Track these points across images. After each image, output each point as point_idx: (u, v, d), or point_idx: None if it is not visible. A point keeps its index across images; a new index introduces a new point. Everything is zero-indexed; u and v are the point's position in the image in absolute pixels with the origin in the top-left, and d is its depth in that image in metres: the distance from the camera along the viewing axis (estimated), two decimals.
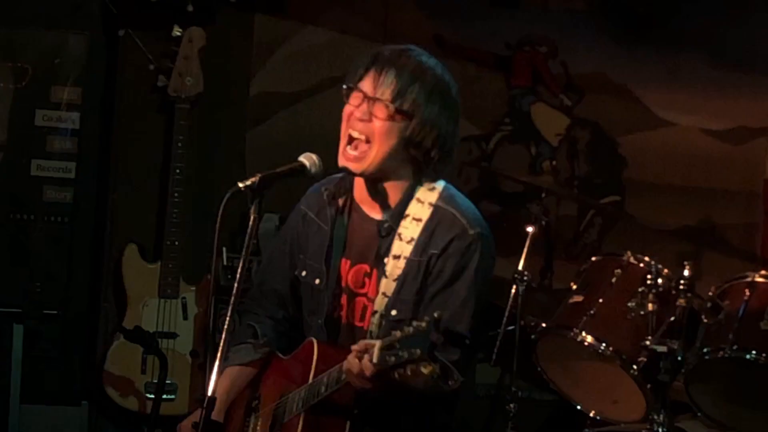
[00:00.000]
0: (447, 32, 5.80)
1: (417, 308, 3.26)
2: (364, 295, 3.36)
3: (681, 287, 4.02)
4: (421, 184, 3.33)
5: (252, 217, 3.12)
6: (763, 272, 4.16)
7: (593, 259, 4.53)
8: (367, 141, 3.25)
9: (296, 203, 3.60)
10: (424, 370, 2.84)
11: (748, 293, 4.11)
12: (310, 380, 3.25)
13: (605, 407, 4.49)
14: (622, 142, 5.80)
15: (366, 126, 3.25)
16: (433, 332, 2.82)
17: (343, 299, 3.39)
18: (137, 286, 5.42)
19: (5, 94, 5.51)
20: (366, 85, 3.26)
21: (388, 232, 3.32)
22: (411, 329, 2.87)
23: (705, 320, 4.14)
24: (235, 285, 3.11)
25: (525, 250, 4.82)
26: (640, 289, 4.13)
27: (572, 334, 4.24)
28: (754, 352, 3.97)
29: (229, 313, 3.09)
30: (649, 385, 4.16)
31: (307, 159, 3.29)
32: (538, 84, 5.84)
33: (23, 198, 5.51)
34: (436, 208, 3.30)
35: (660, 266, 4.17)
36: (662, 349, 3.99)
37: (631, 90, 5.76)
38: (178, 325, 5.40)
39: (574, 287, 4.44)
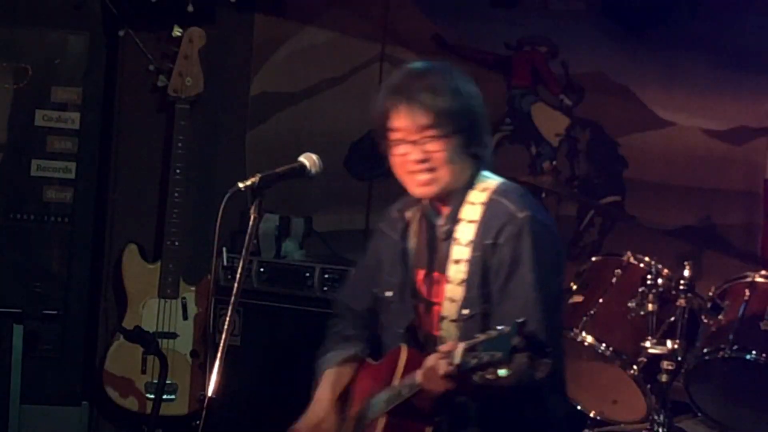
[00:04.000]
0: (447, 32, 5.80)
1: (485, 300, 3.24)
2: (437, 303, 3.35)
3: (681, 287, 4.03)
4: (473, 187, 3.32)
5: (252, 217, 3.12)
6: (763, 272, 4.17)
7: (593, 259, 4.54)
8: (432, 170, 3.25)
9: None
10: (502, 373, 2.83)
11: (748, 293, 4.12)
12: (395, 382, 3.25)
13: (605, 407, 4.49)
14: (622, 142, 5.79)
15: (427, 164, 3.24)
16: (515, 336, 2.80)
17: (421, 309, 3.40)
18: (137, 286, 5.42)
19: (5, 94, 5.51)
20: (400, 126, 3.24)
21: (447, 235, 3.32)
22: (495, 333, 2.86)
23: (705, 320, 4.15)
24: (235, 285, 3.11)
25: None
26: (640, 289, 4.14)
27: (572, 334, 4.24)
28: (754, 352, 3.97)
29: (229, 313, 3.09)
30: (649, 385, 4.16)
31: (307, 159, 3.29)
32: (538, 84, 5.84)
33: (23, 198, 5.51)
34: (487, 204, 3.29)
35: (660, 266, 4.18)
36: (662, 349, 4.00)
37: (631, 90, 5.76)
38: (178, 326, 5.40)
39: (574, 287, 4.44)
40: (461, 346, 2.93)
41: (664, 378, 4.02)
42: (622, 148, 5.80)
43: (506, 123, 5.84)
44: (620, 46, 5.74)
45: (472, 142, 3.28)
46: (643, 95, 5.76)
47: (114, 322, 5.47)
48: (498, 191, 3.32)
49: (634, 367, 4.14)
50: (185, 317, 5.41)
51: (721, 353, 4.00)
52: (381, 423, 3.25)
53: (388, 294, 3.44)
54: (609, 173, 5.81)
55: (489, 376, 2.86)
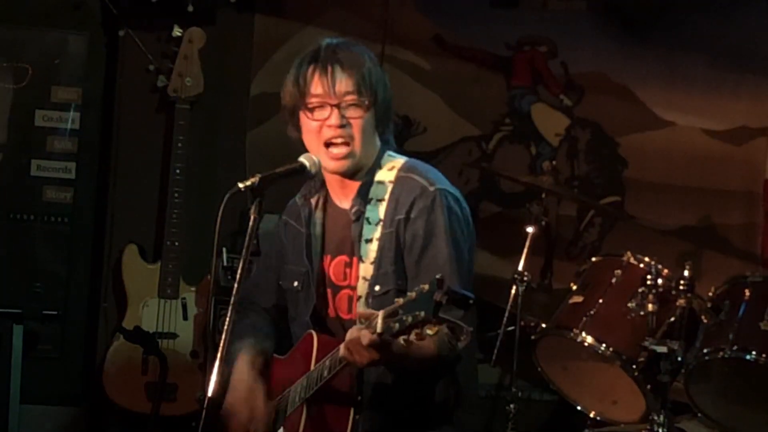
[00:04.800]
0: (447, 32, 5.80)
1: (400, 277, 3.27)
2: (348, 287, 3.37)
3: (681, 287, 4.02)
4: (380, 167, 3.35)
5: (252, 218, 3.12)
6: (763, 272, 4.16)
7: (593, 259, 4.53)
8: (347, 143, 3.28)
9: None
10: (430, 332, 2.81)
11: (748, 293, 4.11)
12: (311, 368, 3.26)
13: (605, 407, 4.49)
14: (622, 142, 5.79)
15: (345, 130, 3.27)
16: (436, 292, 2.78)
17: (329, 294, 3.42)
18: (137, 287, 5.42)
19: (5, 94, 5.51)
20: (322, 91, 3.26)
21: (357, 216, 3.33)
22: (414, 294, 2.85)
23: (705, 320, 4.14)
24: (235, 285, 3.12)
25: (525, 250, 4.82)
26: (640, 290, 4.13)
27: (572, 334, 4.24)
28: (754, 352, 3.97)
29: (229, 314, 3.09)
30: (649, 386, 4.16)
31: (307, 159, 3.30)
32: (538, 84, 5.84)
33: (23, 198, 5.51)
34: (396, 180, 3.32)
35: (660, 266, 4.17)
36: (662, 349, 3.99)
37: (631, 90, 5.76)
38: (178, 326, 5.40)
39: (574, 287, 4.44)
40: (380, 314, 2.91)
41: (664, 378, 4.01)
42: (622, 148, 5.80)
43: (506, 123, 5.84)
44: (620, 46, 5.74)
45: (384, 118, 3.33)
46: (643, 95, 5.76)
47: (114, 322, 5.47)
48: (405, 168, 3.35)
49: (634, 367, 4.14)
50: (185, 317, 5.41)
51: (721, 353, 3.99)
52: (304, 411, 3.24)
53: (295, 284, 3.45)
54: (609, 173, 5.81)
55: (414, 338, 2.84)
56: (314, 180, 3.42)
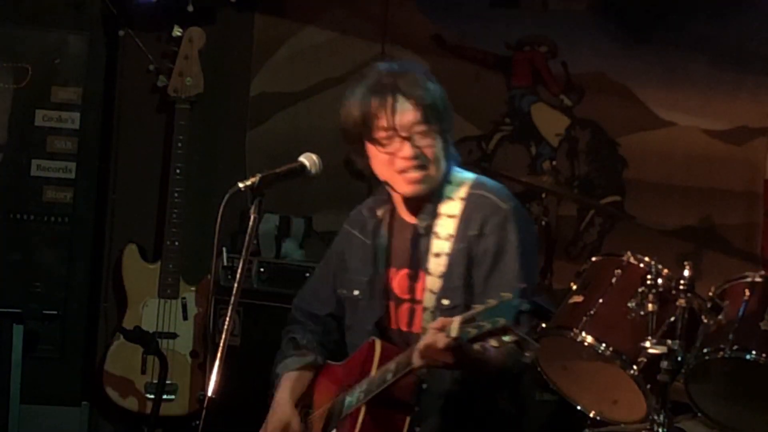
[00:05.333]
0: (447, 32, 5.80)
1: (468, 293, 3.26)
2: (411, 300, 3.37)
3: (681, 287, 4.02)
4: (450, 182, 3.35)
5: (252, 217, 3.12)
6: (763, 272, 4.16)
7: (593, 259, 4.52)
8: (422, 166, 3.27)
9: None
10: (507, 339, 2.82)
11: (748, 293, 4.11)
12: (373, 373, 3.24)
13: (605, 407, 4.48)
14: (622, 142, 5.79)
15: (419, 160, 3.25)
16: (521, 302, 2.81)
17: (391, 306, 3.41)
18: (137, 286, 5.42)
19: (5, 94, 5.51)
20: (389, 123, 3.23)
21: (426, 230, 3.33)
22: (494, 301, 2.85)
23: (705, 320, 4.14)
24: (235, 285, 3.11)
25: None
26: (640, 289, 4.12)
27: (572, 334, 4.23)
28: (754, 352, 3.96)
29: (229, 313, 3.09)
30: (649, 385, 4.15)
31: (307, 159, 3.29)
32: (538, 84, 5.84)
33: (23, 198, 5.52)
34: (467, 198, 3.32)
35: (660, 266, 4.16)
36: (662, 349, 3.99)
37: (631, 90, 5.75)
38: (178, 326, 5.40)
39: (574, 287, 4.43)
40: (457, 319, 2.91)
41: (664, 378, 4.01)
42: (622, 148, 5.80)
43: (506, 123, 5.84)
44: (620, 46, 5.73)
45: (450, 137, 3.32)
46: (643, 95, 5.76)
47: (114, 322, 5.47)
48: (476, 185, 3.35)
49: (634, 367, 4.13)
50: (185, 317, 5.41)
51: (721, 353, 3.98)
52: (360, 414, 3.23)
53: (356, 293, 3.44)
54: (609, 173, 5.81)
55: (494, 344, 2.84)
56: (381, 193, 3.43)
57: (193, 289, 5.44)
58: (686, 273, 4.02)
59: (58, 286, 5.53)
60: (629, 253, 4.33)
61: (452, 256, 3.27)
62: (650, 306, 4.06)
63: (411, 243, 3.36)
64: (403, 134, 3.23)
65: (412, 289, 3.37)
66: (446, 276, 3.27)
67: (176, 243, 5.36)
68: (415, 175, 3.26)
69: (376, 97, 3.24)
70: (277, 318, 5.23)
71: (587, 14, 5.77)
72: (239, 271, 3.12)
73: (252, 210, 3.12)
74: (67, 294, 5.56)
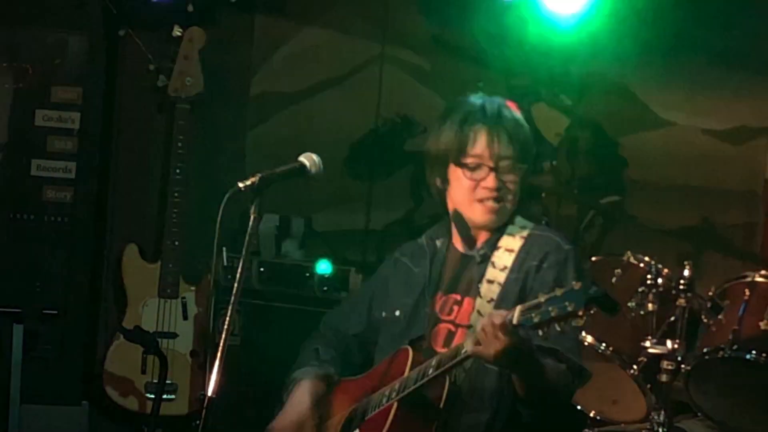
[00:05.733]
0: (447, 32, 5.80)
1: None
2: (451, 321, 3.39)
3: (681, 287, 4.03)
4: (514, 223, 3.42)
5: (252, 217, 3.12)
6: (763, 272, 4.17)
7: (593, 259, 4.54)
8: (500, 199, 3.35)
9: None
10: (577, 323, 2.84)
11: (748, 293, 4.12)
12: (406, 374, 3.25)
13: (605, 407, 4.49)
14: (622, 142, 5.79)
15: (499, 193, 3.34)
16: (593, 288, 2.81)
17: (431, 326, 3.42)
18: (137, 286, 5.41)
19: (5, 94, 5.51)
20: (482, 152, 3.32)
21: (483, 259, 3.38)
22: (560, 290, 2.87)
23: (705, 320, 4.15)
24: (235, 285, 3.11)
25: None
26: (640, 289, 4.14)
27: None
28: (754, 352, 3.97)
29: (229, 313, 3.09)
30: (649, 385, 4.16)
31: (307, 159, 3.29)
32: (538, 84, 5.84)
33: (23, 198, 5.51)
34: (529, 236, 3.39)
35: (660, 266, 4.18)
36: (662, 349, 4.00)
37: (631, 90, 5.76)
38: (178, 325, 5.39)
39: None
40: (518, 308, 2.95)
41: (664, 378, 4.02)
42: (622, 148, 5.80)
43: None
44: (620, 45, 5.73)
45: (528, 177, 3.41)
46: (643, 95, 5.76)
47: (114, 322, 5.47)
48: (539, 228, 3.44)
49: (634, 367, 4.14)
50: (185, 317, 5.41)
51: (721, 353, 4.00)
52: (392, 409, 3.23)
53: (397, 314, 3.48)
54: (609, 173, 5.81)
55: (560, 329, 2.85)
56: (441, 227, 3.49)
57: (193, 289, 5.44)
58: (686, 273, 4.03)
59: (58, 286, 5.52)
60: (629, 253, 4.34)
61: (506, 284, 3.33)
62: (650, 306, 4.07)
63: (462, 271, 3.42)
64: (492, 165, 3.32)
65: (453, 312, 3.40)
66: (497, 301, 3.30)
67: (176, 243, 5.35)
68: (493, 205, 3.34)
69: (481, 125, 3.34)
70: (277, 318, 5.24)
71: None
72: (239, 271, 3.12)
73: (252, 210, 3.12)
74: (67, 294, 5.55)
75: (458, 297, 3.40)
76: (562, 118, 5.84)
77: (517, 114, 3.41)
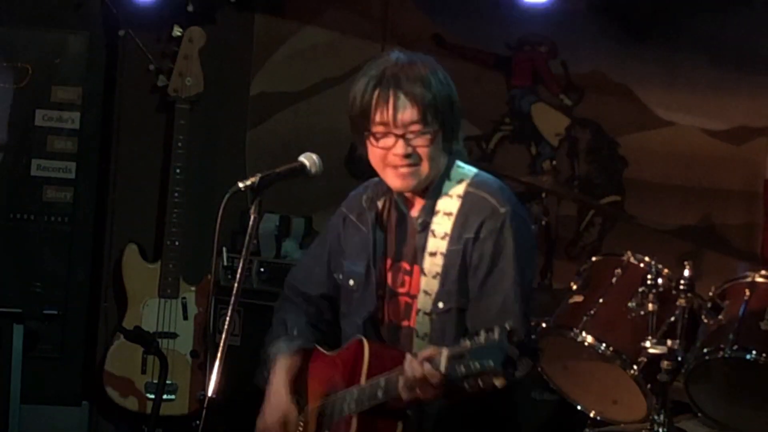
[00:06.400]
0: (447, 32, 5.80)
1: (463, 296, 3.24)
2: (405, 294, 3.34)
3: (681, 287, 4.02)
4: (450, 178, 3.31)
5: (252, 217, 3.12)
6: (763, 272, 4.16)
7: (593, 259, 4.53)
8: (414, 164, 3.24)
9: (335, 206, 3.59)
10: (497, 383, 2.79)
11: (748, 293, 4.11)
12: (362, 381, 3.21)
13: (605, 407, 4.49)
14: (622, 142, 5.79)
15: (411, 158, 3.22)
16: (508, 347, 2.75)
17: (386, 299, 3.38)
18: (137, 286, 5.42)
19: (5, 94, 5.51)
20: (386, 119, 3.20)
21: (423, 227, 3.30)
22: (482, 340, 2.81)
23: (705, 320, 4.14)
24: (235, 285, 3.11)
25: None
26: (640, 289, 4.13)
27: (572, 334, 4.24)
28: (754, 352, 3.96)
29: (229, 313, 3.09)
30: (649, 385, 4.15)
31: (307, 159, 3.29)
32: (538, 84, 5.84)
33: (23, 198, 5.51)
34: (465, 196, 3.28)
35: (660, 266, 4.17)
36: (662, 349, 3.99)
37: (631, 90, 5.76)
38: (178, 325, 5.40)
39: (574, 287, 4.44)
40: (445, 353, 2.88)
41: (664, 378, 4.01)
42: (622, 148, 5.80)
43: (506, 123, 5.84)
44: (620, 46, 5.74)
45: (452, 135, 3.27)
46: (643, 95, 5.76)
47: (114, 322, 5.47)
48: (475, 184, 3.30)
49: (634, 367, 4.13)
50: (185, 317, 5.41)
51: (721, 353, 3.99)
52: (353, 423, 3.21)
53: (351, 283, 3.41)
54: (609, 173, 5.82)
55: (483, 386, 2.82)
56: (381, 183, 3.38)
57: (193, 289, 5.44)
58: (686, 273, 4.02)
59: (58, 286, 5.53)
60: (629, 252, 4.33)
61: (447, 257, 3.25)
62: (650, 306, 4.06)
63: (408, 237, 3.34)
64: (398, 132, 3.20)
65: (405, 284, 3.35)
66: (441, 278, 3.25)
67: (176, 243, 5.36)
68: (406, 170, 3.23)
69: (377, 91, 3.21)
70: None
71: (587, 14, 5.77)
72: (239, 271, 3.12)
73: (252, 210, 3.12)
74: (67, 294, 5.56)
75: (407, 266, 3.33)
76: (562, 118, 5.84)
77: (425, 72, 3.22)
